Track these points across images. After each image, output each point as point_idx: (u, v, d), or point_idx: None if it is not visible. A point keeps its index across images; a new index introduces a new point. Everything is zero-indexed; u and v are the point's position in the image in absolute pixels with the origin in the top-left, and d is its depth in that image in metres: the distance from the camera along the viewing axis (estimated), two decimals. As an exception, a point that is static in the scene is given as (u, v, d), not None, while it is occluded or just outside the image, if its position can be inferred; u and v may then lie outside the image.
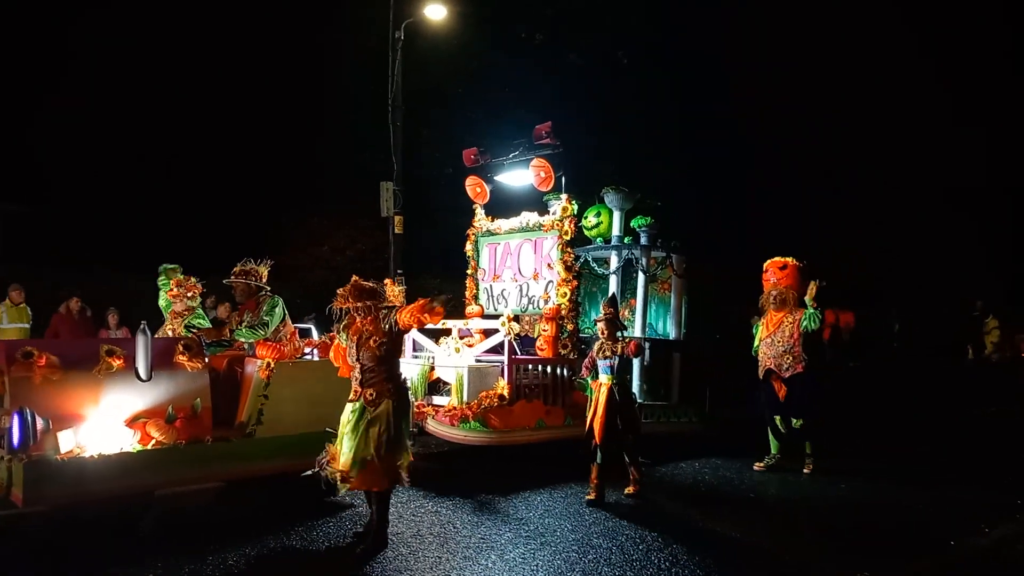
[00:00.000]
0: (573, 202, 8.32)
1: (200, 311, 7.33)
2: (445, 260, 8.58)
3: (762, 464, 8.15)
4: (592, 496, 6.48)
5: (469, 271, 9.48)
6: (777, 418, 8.10)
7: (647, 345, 9.19)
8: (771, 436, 8.20)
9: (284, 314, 6.65)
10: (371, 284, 5.34)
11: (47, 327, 11.21)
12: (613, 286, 9.21)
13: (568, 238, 8.20)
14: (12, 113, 20.83)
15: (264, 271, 6.80)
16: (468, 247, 9.50)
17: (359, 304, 5.25)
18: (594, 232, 9.58)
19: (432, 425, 7.61)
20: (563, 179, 8.39)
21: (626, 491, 6.66)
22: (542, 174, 8.34)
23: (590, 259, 9.48)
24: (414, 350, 8.61)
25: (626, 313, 9.90)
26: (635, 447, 6.70)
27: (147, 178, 21.79)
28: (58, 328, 10.95)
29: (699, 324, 9.39)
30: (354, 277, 5.42)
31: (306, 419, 6.11)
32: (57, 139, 21.27)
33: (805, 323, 7.70)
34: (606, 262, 9.32)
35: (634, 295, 9.83)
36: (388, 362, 5.18)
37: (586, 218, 9.64)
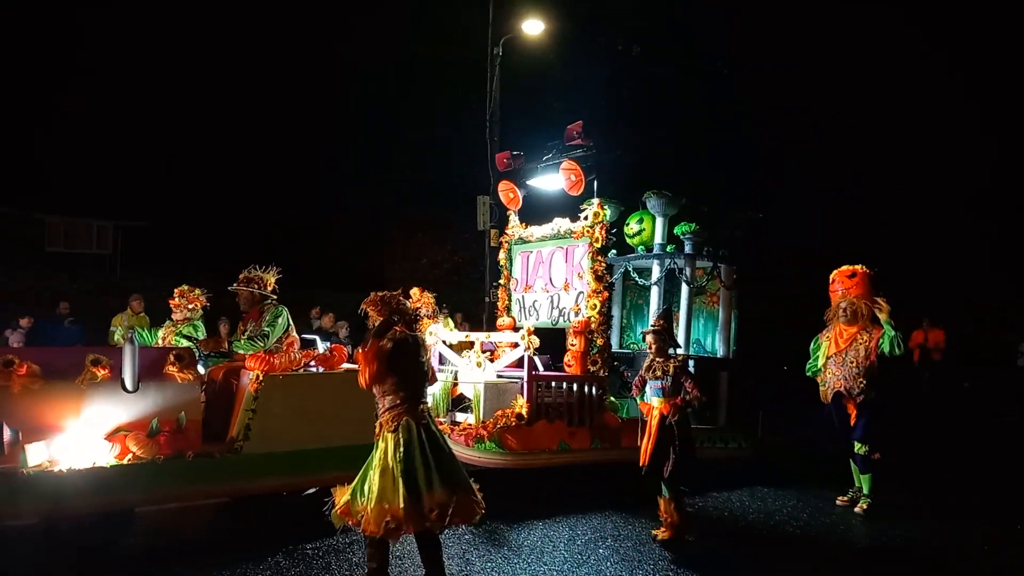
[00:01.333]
0: (605, 207, 7.72)
1: (198, 321, 7.17)
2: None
3: (846, 499, 7.20)
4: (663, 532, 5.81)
5: (502, 281, 8.99)
6: (858, 445, 7.19)
7: (693, 364, 8.46)
8: (853, 467, 7.21)
9: (288, 324, 6.35)
10: (395, 299, 4.66)
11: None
12: (655, 298, 8.54)
13: (599, 245, 7.60)
14: (132, 137, 22.16)
15: (271, 279, 6.53)
16: (501, 256, 9.01)
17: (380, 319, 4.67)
18: (636, 240, 8.95)
19: (448, 444, 7.14)
20: (595, 182, 7.78)
21: (658, 534, 5.81)
22: (572, 177, 7.78)
23: (630, 269, 8.84)
24: (440, 363, 8.19)
25: (672, 327, 9.19)
26: (680, 483, 5.80)
27: (255, 194, 22.80)
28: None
29: (750, 340, 8.57)
30: (399, 291, 4.86)
31: (299, 435, 5.77)
32: (171, 158, 22.54)
33: (886, 347, 6.76)
34: (649, 272, 8.67)
35: (677, 308, 9.13)
36: (384, 387, 4.49)
37: (628, 225, 9.03)
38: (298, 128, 23.44)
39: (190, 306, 7.18)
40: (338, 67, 23.45)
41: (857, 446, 6.98)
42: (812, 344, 7.32)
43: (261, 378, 5.74)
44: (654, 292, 8.50)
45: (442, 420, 7.40)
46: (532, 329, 7.08)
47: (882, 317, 6.79)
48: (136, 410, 5.39)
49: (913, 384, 13.21)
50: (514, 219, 8.89)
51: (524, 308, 8.72)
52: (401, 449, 4.38)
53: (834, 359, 7.06)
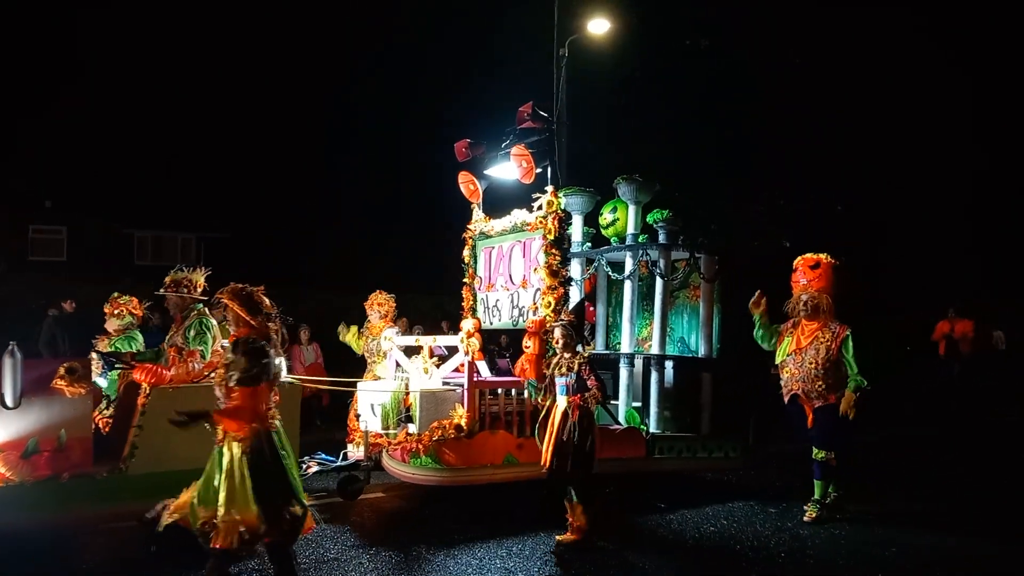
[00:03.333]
0: (560, 195, 7.00)
1: (135, 332, 6.78)
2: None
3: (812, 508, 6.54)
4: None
5: (466, 279, 8.35)
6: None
7: (672, 366, 7.68)
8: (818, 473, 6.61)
9: (213, 335, 5.89)
10: (255, 294, 4.33)
11: None
12: (628, 293, 7.79)
13: (552, 237, 6.89)
14: (210, 151, 23.15)
15: (200, 279, 6.08)
16: (465, 252, 8.37)
17: (240, 312, 4.27)
18: (611, 231, 8.25)
19: (386, 459, 6.59)
20: (550, 168, 7.09)
21: (558, 537, 5.51)
22: (524, 164, 7.10)
23: (603, 262, 8.11)
24: (396, 369, 7.65)
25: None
26: (583, 485, 5.49)
27: (329, 203, 23.43)
28: None
29: (737, 338, 7.71)
30: (260, 287, 4.48)
31: (190, 454, 5.21)
32: (249, 172, 23.48)
33: (851, 385, 6.17)
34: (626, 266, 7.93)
35: (655, 304, 8.35)
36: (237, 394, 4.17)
37: (602, 215, 8.33)
38: (362, 138, 24.05)
39: (116, 311, 6.79)
40: (399, 67, 23.97)
41: (815, 452, 6.30)
42: (757, 330, 6.63)
43: (148, 391, 5.27)
44: (627, 287, 7.75)
45: (383, 433, 6.82)
46: (473, 330, 6.45)
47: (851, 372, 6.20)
48: (13, 428, 5.01)
49: (944, 379, 12.10)
50: (477, 213, 8.23)
51: (488, 308, 8.07)
52: (253, 456, 4.11)
53: (793, 357, 6.39)
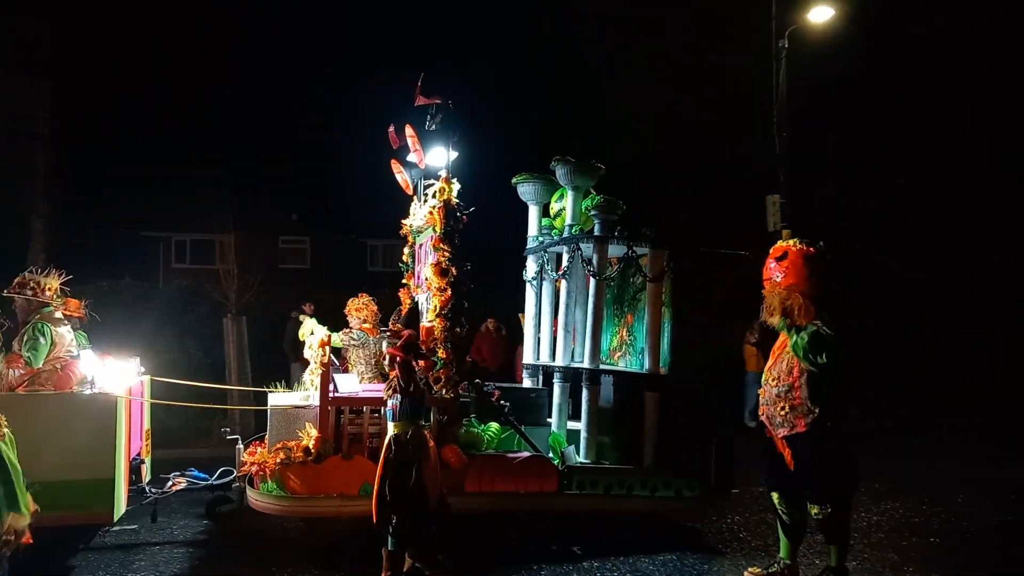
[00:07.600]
0: (452, 182, 5.96)
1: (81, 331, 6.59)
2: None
3: (758, 570, 5.11)
4: None
5: (404, 280, 7.55)
6: (775, 496, 5.10)
7: (612, 383, 6.40)
8: (779, 529, 5.18)
9: (51, 342, 5.62)
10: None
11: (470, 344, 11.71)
12: (563, 296, 6.60)
13: (440, 231, 5.89)
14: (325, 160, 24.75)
15: (53, 284, 5.84)
16: (405, 250, 7.58)
17: None
18: (559, 222, 7.09)
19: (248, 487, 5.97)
20: (450, 149, 6.06)
21: None
22: (417, 147, 6.16)
23: (544, 260, 6.95)
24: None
25: (623, 334, 7.10)
26: (422, 531, 4.59)
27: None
28: (480, 344, 11.54)
29: (693, 349, 6.22)
30: None
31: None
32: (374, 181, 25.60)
33: (798, 353, 4.76)
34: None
35: (631, 308, 7.05)
36: None
37: (551, 205, 7.19)
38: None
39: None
40: (623, 66, 24.20)
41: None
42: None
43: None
44: (563, 287, 6.56)
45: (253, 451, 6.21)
46: (328, 339, 5.65)
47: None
48: None
49: None
50: (414, 206, 7.39)
51: (423, 312, 7.21)
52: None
53: (767, 374, 5.02)
